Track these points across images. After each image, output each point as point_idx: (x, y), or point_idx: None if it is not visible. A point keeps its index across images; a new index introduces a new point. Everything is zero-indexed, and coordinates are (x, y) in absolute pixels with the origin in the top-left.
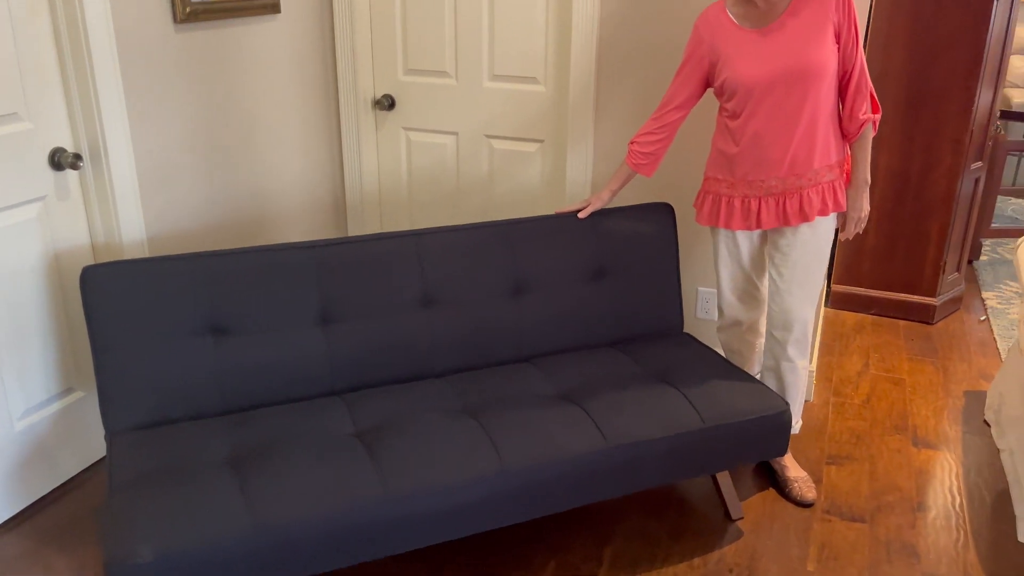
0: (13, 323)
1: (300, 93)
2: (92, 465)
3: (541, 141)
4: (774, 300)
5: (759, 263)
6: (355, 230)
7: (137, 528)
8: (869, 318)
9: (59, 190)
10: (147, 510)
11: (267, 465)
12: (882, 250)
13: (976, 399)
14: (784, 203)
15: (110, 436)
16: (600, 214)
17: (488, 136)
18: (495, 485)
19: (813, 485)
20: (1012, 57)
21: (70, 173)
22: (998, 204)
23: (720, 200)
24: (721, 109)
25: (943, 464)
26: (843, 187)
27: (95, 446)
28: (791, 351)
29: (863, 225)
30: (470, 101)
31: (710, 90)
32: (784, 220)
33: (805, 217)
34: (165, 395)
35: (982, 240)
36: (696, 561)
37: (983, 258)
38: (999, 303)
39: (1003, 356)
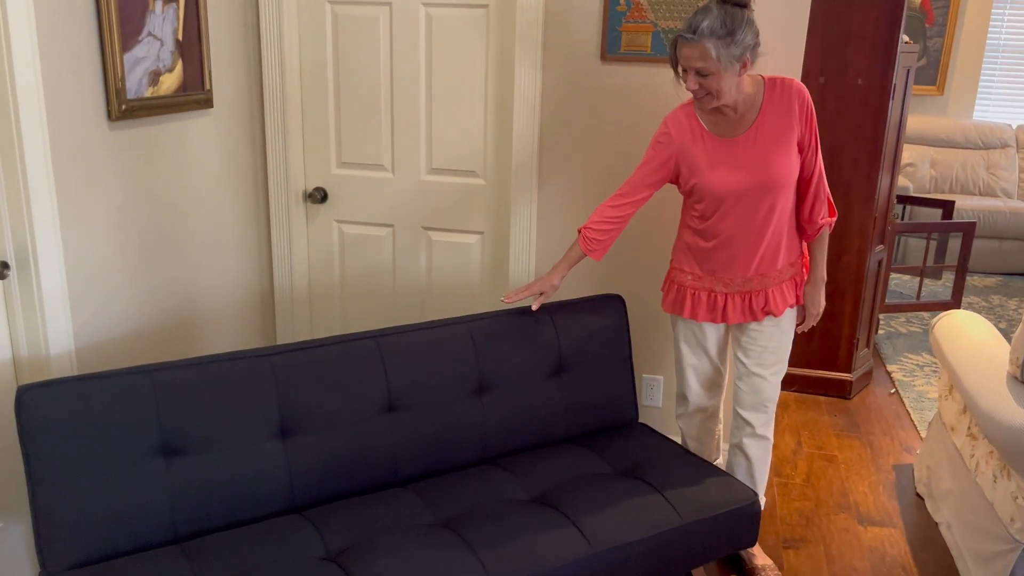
0: None
1: (231, 187)
2: None
3: (481, 233)
4: (744, 382)
5: (724, 350)
6: (283, 328)
7: None
8: (792, 395)
9: None
10: None
11: None
12: None
13: (904, 472)
14: (750, 300)
15: None
16: (554, 308)
17: (426, 228)
18: None
19: (779, 571)
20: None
21: None
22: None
23: (685, 291)
24: (688, 207)
25: (890, 541)
26: (803, 280)
27: None
28: (760, 429)
29: (818, 319)
30: (407, 194)
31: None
32: (751, 316)
33: (771, 313)
34: (111, 526)
35: (879, 316)
36: None
37: (880, 332)
38: (903, 375)
39: (919, 427)
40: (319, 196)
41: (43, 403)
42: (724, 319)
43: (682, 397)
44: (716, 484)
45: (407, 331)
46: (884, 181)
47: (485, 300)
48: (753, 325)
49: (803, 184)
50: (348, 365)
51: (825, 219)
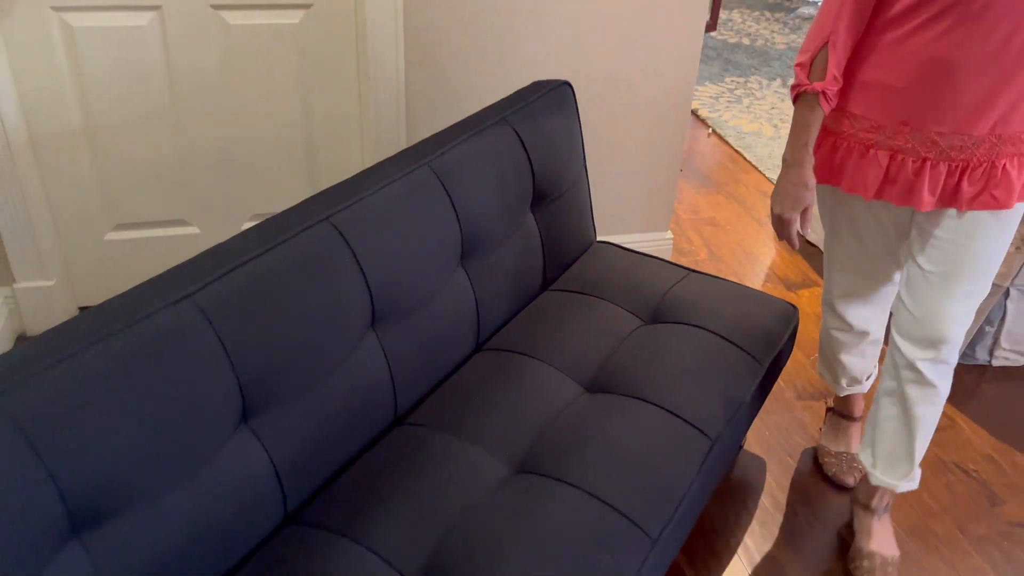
0: None
1: None
2: None
3: (308, 6)
4: (914, 298)
5: (902, 243)
6: (6, 214)
7: None
8: None
9: None
10: None
11: None
12: None
13: None
14: (963, 175)
15: None
16: (511, 113)
17: (215, 7)
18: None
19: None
20: None
21: None
22: None
23: (851, 148)
24: (885, 15)
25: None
26: None
27: None
28: (931, 374)
29: None
30: None
31: None
32: (954, 201)
33: (995, 202)
34: (209, 546)
35: None
36: None
37: None
38: None
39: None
40: None
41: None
42: (912, 200)
43: (832, 310)
44: (749, 301)
45: (359, 191)
46: None
47: (325, 130)
48: (949, 219)
49: None
50: (306, 270)
51: None
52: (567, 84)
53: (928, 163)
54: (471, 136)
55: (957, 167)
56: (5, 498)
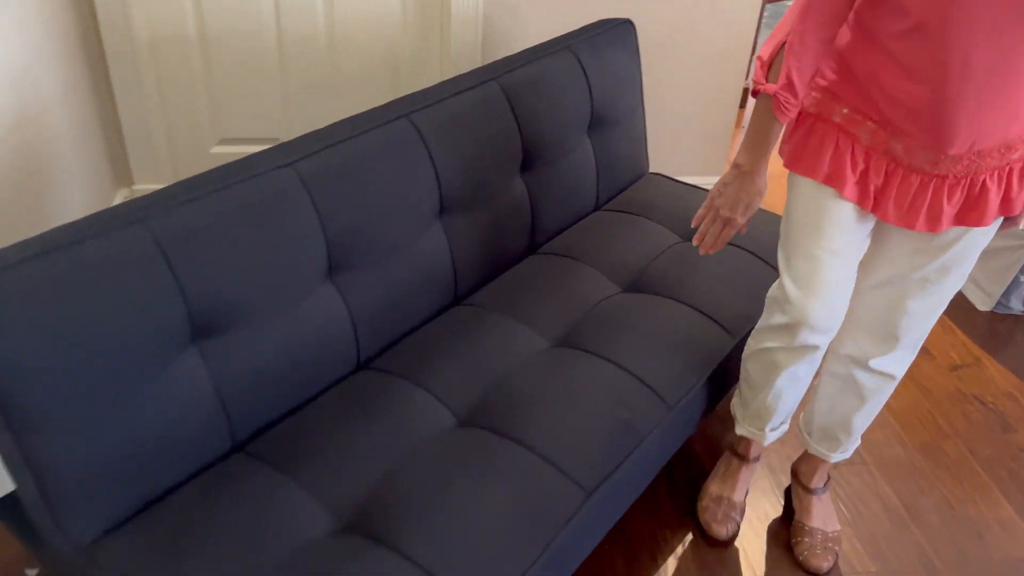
0: None
1: None
2: None
3: None
4: (876, 297)
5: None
6: (126, 108)
7: None
8: None
9: None
10: None
11: (414, 521)
12: None
13: None
14: (946, 194)
15: (80, 555)
16: (576, 44)
17: None
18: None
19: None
20: None
21: None
22: None
23: (835, 138)
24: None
25: None
26: None
27: None
28: (889, 365)
29: None
30: None
31: None
32: (926, 222)
33: (973, 220)
34: (146, 459)
35: None
36: None
37: None
38: None
39: None
40: None
41: (7, 307)
42: (878, 209)
43: (793, 313)
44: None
45: (437, 100)
46: None
47: (412, 49)
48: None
49: None
50: (389, 157)
51: None
52: (629, 21)
53: (901, 171)
54: (536, 59)
55: (931, 180)
56: (144, 305)
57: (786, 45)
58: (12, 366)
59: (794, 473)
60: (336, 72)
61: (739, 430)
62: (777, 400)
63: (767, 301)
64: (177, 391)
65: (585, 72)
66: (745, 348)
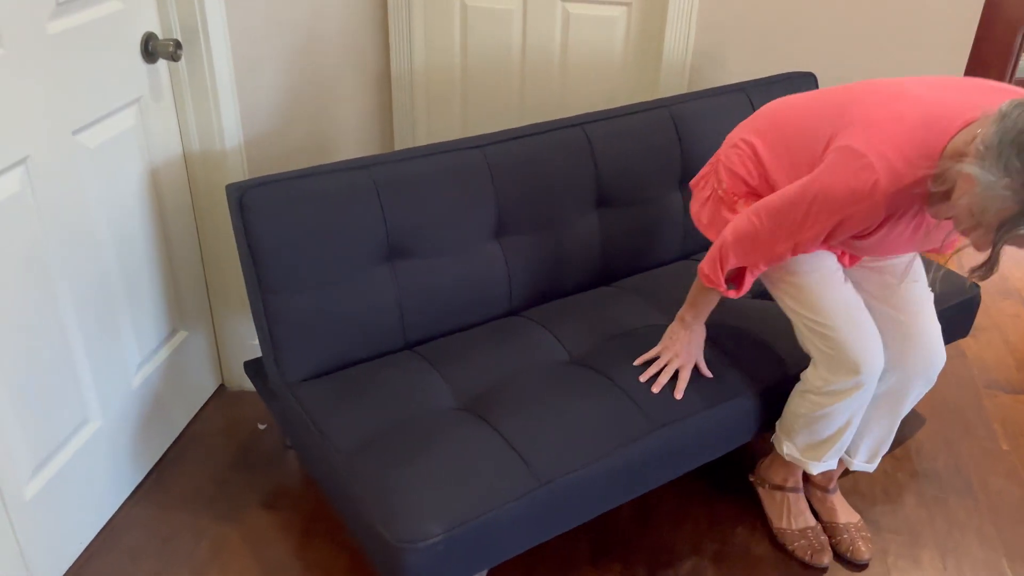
0: (123, 260)
1: None
2: (197, 414)
3: (628, 4)
4: (899, 339)
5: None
6: (400, 113)
7: (416, 503)
8: None
9: (153, 89)
10: (412, 481)
11: (514, 411)
12: None
13: None
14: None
15: (288, 390)
16: (680, 103)
17: None
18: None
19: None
20: None
21: (162, 65)
22: None
23: None
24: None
25: None
26: None
27: (198, 393)
28: (923, 390)
29: None
30: None
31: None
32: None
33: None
34: (346, 333)
35: None
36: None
37: None
38: None
39: None
40: None
41: (269, 205)
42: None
43: (846, 363)
44: None
45: (609, 118)
46: None
47: (628, 85)
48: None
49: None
50: (556, 156)
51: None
52: (811, 74)
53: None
54: (711, 96)
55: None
56: (360, 224)
57: (747, 271)
58: (269, 245)
59: (806, 479)
60: (564, 99)
61: (790, 458)
62: (841, 435)
63: (807, 383)
64: (371, 293)
65: (753, 108)
66: (805, 411)
